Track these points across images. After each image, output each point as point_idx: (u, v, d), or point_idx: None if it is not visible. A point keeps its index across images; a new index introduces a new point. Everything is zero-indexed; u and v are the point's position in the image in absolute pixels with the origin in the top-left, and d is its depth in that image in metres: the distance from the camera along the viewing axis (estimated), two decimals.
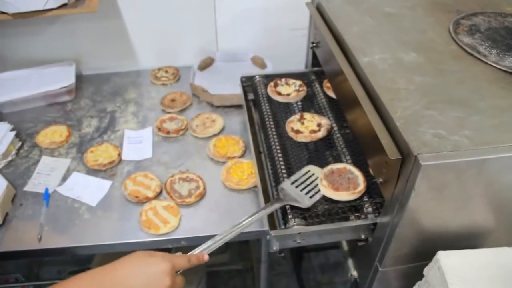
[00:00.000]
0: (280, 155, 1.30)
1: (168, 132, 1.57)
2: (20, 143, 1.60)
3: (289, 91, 1.49)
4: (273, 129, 1.38)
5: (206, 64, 1.84)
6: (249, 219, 1.05)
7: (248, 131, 1.40)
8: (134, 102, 1.76)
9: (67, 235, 1.28)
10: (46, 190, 1.40)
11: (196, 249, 0.97)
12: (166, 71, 1.88)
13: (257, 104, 1.51)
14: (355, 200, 1.13)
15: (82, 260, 2.33)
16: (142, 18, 1.82)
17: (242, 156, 1.46)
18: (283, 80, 1.53)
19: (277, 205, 1.11)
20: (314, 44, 1.53)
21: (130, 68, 1.95)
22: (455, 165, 0.82)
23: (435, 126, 0.88)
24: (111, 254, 1.81)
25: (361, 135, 1.14)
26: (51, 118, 1.72)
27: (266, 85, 1.53)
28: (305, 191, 1.16)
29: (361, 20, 1.30)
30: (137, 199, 1.34)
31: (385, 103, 0.96)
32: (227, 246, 2.25)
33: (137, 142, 1.56)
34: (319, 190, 1.15)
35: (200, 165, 1.46)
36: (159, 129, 1.58)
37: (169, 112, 1.67)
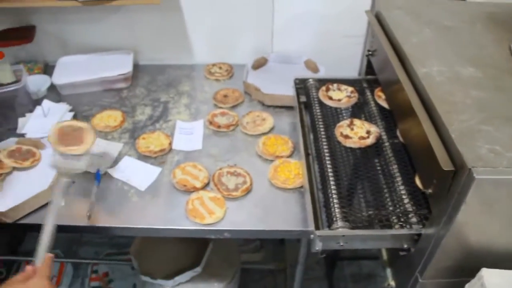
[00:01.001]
0: (328, 158, 1.31)
1: (219, 126, 1.60)
2: None
3: (341, 97, 1.50)
4: (323, 132, 1.40)
5: (259, 64, 1.87)
6: None
7: (299, 132, 1.42)
8: (188, 95, 1.80)
9: (114, 216, 1.33)
10: (98, 171, 1.46)
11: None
12: (220, 67, 1.92)
13: (309, 106, 1.53)
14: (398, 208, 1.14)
15: (120, 244, 2.39)
16: (201, 13, 1.86)
17: (290, 156, 1.48)
18: (335, 85, 1.54)
19: None
20: (370, 52, 1.54)
21: (185, 61, 1.99)
22: (510, 182, 0.82)
23: (491, 142, 0.88)
24: (149, 239, 1.87)
25: (412, 144, 1.14)
26: (107, 103, 1.78)
27: (318, 89, 1.55)
28: None
29: (420, 31, 1.30)
30: (184, 187, 1.37)
31: (441, 115, 0.97)
32: (262, 245, 2.27)
33: (188, 133, 1.60)
34: None
35: (248, 161, 1.48)
36: (211, 123, 1.62)
37: (221, 107, 1.70)
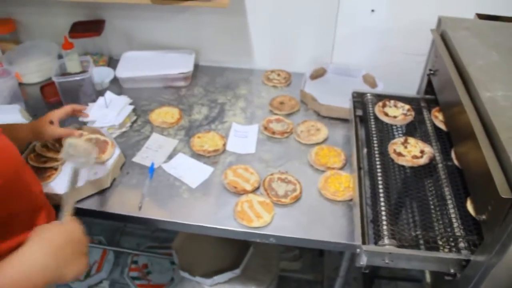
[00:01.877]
0: (379, 174, 1.31)
1: (273, 133, 1.62)
2: (135, 118, 1.72)
3: (397, 114, 1.50)
4: (376, 148, 1.40)
5: (318, 74, 1.88)
6: None
7: (353, 145, 1.42)
8: (244, 98, 1.83)
9: (164, 209, 1.36)
10: (152, 164, 1.50)
11: None
12: (279, 74, 1.94)
13: (364, 121, 1.53)
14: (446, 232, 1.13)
15: (161, 238, 2.45)
16: (265, 20, 1.88)
17: (341, 168, 1.48)
18: (392, 102, 1.54)
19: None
20: (432, 72, 1.53)
21: (244, 65, 2.02)
22: None
23: None
24: (192, 236, 1.90)
25: (469, 169, 1.13)
26: (166, 100, 1.83)
27: (375, 104, 1.54)
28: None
29: (486, 54, 1.28)
30: (235, 189, 1.40)
31: (503, 141, 0.95)
32: (301, 255, 2.27)
33: (243, 137, 1.62)
34: None
35: (299, 170, 1.49)
36: (265, 128, 1.64)
37: (276, 114, 1.72)
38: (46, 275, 0.86)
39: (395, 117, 1.49)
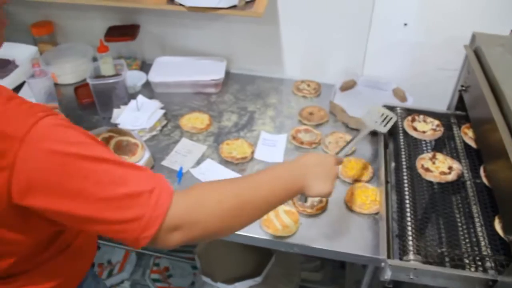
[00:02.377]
0: (406, 189, 1.31)
1: (301, 143, 1.62)
2: (165, 122, 1.75)
3: (426, 129, 1.50)
4: (404, 162, 1.40)
5: (348, 86, 1.88)
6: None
7: (381, 159, 1.42)
8: (274, 107, 1.84)
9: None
10: (181, 169, 1.52)
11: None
12: (309, 85, 1.95)
13: (393, 135, 1.53)
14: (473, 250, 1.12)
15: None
16: (297, 30, 1.89)
17: (368, 181, 1.48)
18: (421, 116, 1.54)
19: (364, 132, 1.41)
20: (464, 88, 1.52)
21: (275, 74, 2.04)
22: None
23: None
24: (215, 241, 1.91)
25: (499, 187, 1.12)
26: (196, 106, 1.85)
27: (404, 118, 1.54)
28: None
29: None
30: None
31: None
32: (322, 266, 2.26)
33: (271, 145, 1.63)
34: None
35: None
36: (294, 138, 1.64)
37: (305, 124, 1.73)
38: (293, 177, 1.03)
39: (424, 132, 1.49)
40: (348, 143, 1.33)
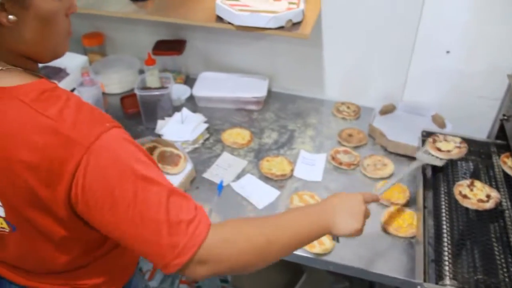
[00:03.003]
0: (444, 214, 1.32)
1: (340, 163, 1.65)
2: (207, 135, 1.80)
3: (450, 148, 1.50)
4: (442, 188, 1.41)
5: (387, 110, 1.90)
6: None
7: (420, 184, 1.44)
8: (314, 127, 1.87)
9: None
10: (221, 182, 1.56)
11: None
12: (348, 107, 1.97)
13: None
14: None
15: None
16: (340, 53, 1.93)
17: (405, 204, 1.49)
18: (441, 136, 1.55)
19: (415, 165, 1.43)
20: (505, 117, 1.53)
21: (316, 95, 2.07)
22: None
23: None
24: None
25: None
26: (237, 121, 1.90)
27: None
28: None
29: None
30: None
31: None
32: (351, 287, 2.27)
33: (310, 164, 1.66)
34: None
35: None
36: (333, 158, 1.67)
37: (344, 145, 1.75)
38: (321, 217, 1.05)
39: (449, 151, 1.49)
40: (392, 182, 1.35)
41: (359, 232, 1.10)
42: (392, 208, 1.47)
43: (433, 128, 1.79)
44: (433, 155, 1.47)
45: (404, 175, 1.39)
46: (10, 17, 0.79)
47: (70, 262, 0.99)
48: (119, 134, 0.85)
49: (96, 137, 0.81)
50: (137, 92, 1.79)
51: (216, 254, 0.87)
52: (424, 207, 1.40)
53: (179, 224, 0.83)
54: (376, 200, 1.23)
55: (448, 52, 1.77)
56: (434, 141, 1.53)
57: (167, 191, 0.85)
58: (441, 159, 1.46)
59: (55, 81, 1.97)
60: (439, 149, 1.50)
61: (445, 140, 1.54)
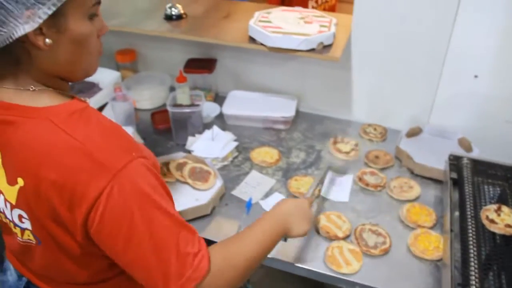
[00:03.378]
0: (471, 239, 1.33)
1: (367, 184, 1.67)
2: (236, 153, 1.83)
3: (347, 150, 1.78)
4: (469, 212, 1.42)
5: (414, 132, 1.92)
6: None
7: (447, 208, 1.45)
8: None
9: None
10: (250, 200, 1.59)
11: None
12: (375, 129, 2.00)
13: (459, 184, 1.55)
14: None
15: None
16: (368, 76, 1.96)
17: (431, 227, 1.50)
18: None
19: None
20: None
21: (342, 116, 2.10)
22: None
23: None
24: (272, 273, 1.97)
25: None
26: (266, 140, 1.94)
27: (471, 169, 1.57)
28: None
29: None
30: (327, 234, 1.46)
31: None
32: None
33: (337, 184, 1.69)
34: None
35: (390, 223, 1.53)
36: (360, 179, 1.70)
37: (371, 167, 1.77)
38: (279, 226, 1.16)
39: (347, 152, 1.83)
40: (317, 184, 1.49)
41: (307, 233, 1.24)
42: (418, 231, 1.48)
43: (459, 151, 1.81)
44: None
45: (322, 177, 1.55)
46: (47, 40, 0.84)
47: (91, 275, 1.03)
48: (144, 164, 0.89)
49: (123, 165, 0.85)
50: (169, 108, 1.84)
51: (216, 284, 0.93)
52: (451, 230, 1.42)
53: (186, 256, 0.88)
54: (311, 203, 1.36)
55: (476, 76, 1.79)
56: (335, 142, 1.86)
57: (179, 224, 0.90)
58: None
59: (88, 97, 2.04)
60: (339, 150, 1.82)
61: (342, 141, 1.87)
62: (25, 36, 0.82)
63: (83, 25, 0.89)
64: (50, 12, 0.81)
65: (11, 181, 0.91)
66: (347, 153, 1.82)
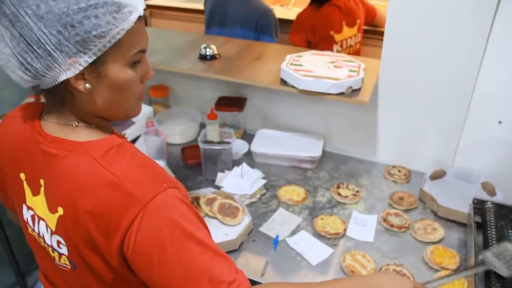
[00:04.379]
0: (493, 282, 1.35)
1: (391, 225, 1.71)
2: (264, 191, 1.89)
3: (347, 194, 1.80)
4: None
5: (437, 175, 1.96)
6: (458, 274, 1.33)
7: (471, 251, 1.48)
8: (365, 189, 1.94)
9: (284, 279, 1.49)
10: (277, 236, 1.64)
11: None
12: (399, 170, 2.04)
13: (483, 228, 1.58)
14: None
15: None
16: (393, 119, 2.02)
17: (455, 270, 1.53)
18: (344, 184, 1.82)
19: (478, 269, 1.32)
20: None
21: (367, 157, 2.15)
22: None
23: None
24: None
25: None
26: (292, 179, 1.99)
27: (495, 213, 1.60)
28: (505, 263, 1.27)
29: None
30: (352, 273, 1.49)
31: None
32: None
33: (362, 224, 1.73)
34: None
35: (414, 265, 1.56)
36: (384, 220, 1.74)
37: (395, 208, 1.81)
38: None
39: (346, 196, 1.84)
40: (448, 276, 1.26)
41: None
42: (442, 273, 1.51)
43: (483, 195, 1.84)
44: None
45: (466, 275, 1.42)
46: (87, 85, 0.92)
47: None
48: (175, 194, 0.94)
49: (153, 196, 0.90)
50: (200, 145, 1.91)
51: None
52: (475, 274, 1.44)
53: (220, 284, 0.90)
54: None
55: (500, 122, 1.83)
56: (338, 187, 1.90)
57: (212, 252, 0.93)
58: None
59: (122, 130, 2.14)
60: (339, 194, 1.86)
61: (347, 187, 1.90)
62: (68, 79, 0.90)
63: (123, 72, 0.95)
64: (90, 60, 0.89)
65: (52, 209, 0.99)
66: (346, 197, 1.85)
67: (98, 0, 0.85)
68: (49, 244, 1.04)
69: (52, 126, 0.99)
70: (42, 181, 1.00)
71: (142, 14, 0.93)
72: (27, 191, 1.04)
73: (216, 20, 2.83)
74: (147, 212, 0.89)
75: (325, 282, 1.10)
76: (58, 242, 1.01)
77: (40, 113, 1.04)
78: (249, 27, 2.72)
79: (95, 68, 0.91)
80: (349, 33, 2.85)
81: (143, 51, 0.98)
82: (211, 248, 0.93)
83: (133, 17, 0.90)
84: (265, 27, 2.71)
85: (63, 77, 0.89)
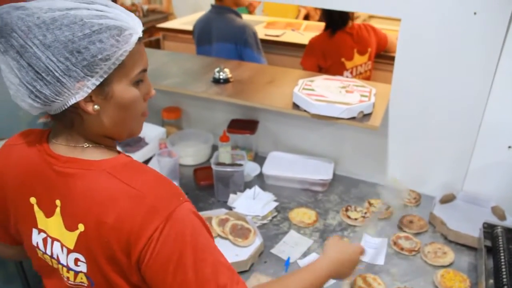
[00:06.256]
0: None
1: (402, 249, 1.72)
2: (276, 213, 1.91)
3: (357, 216, 1.79)
4: (504, 281, 1.45)
5: (447, 199, 1.97)
6: None
7: (482, 275, 1.49)
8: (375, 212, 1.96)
9: None
10: (288, 259, 1.66)
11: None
12: (409, 194, 2.06)
13: (493, 252, 1.59)
14: None
15: None
16: (403, 143, 2.04)
17: None
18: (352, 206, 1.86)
19: None
20: None
21: (377, 180, 2.16)
22: None
23: None
24: None
25: None
26: (303, 201, 2.02)
27: (505, 237, 1.61)
28: None
29: None
30: None
31: None
32: None
33: (373, 248, 1.74)
34: None
35: None
36: (394, 243, 1.75)
37: (405, 231, 1.83)
38: (327, 273, 1.26)
39: (356, 219, 1.87)
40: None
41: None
42: None
43: (493, 219, 1.85)
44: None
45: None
46: (95, 107, 0.97)
47: None
48: (189, 207, 1.00)
49: (173, 209, 0.96)
50: (213, 167, 1.94)
51: None
52: None
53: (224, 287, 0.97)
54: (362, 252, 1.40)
55: (510, 147, 1.85)
56: (347, 210, 1.92)
57: (219, 262, 1.00)
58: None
59: (135, 151, 2.18)
60: (348, 217, 1.88)
61: (355, 210, 1.92)
62: (77, 103, 0.95)
63: (128, 91, 1.00)
64: (97, 83, 0.94)
65: (71, 227, 1.02)
66: (356, 219, 1.88)
67: (101, 25, 0.91)
68: (64, 264, 1.06)
69: (62, 148, 1.04)
70: (58, 202, 1.03)
71: (141, 35, 0.98)
72: (39, 215, 1.07)
73: (204, 39, 3.08)
74: (167, 223, 0.94)
75: (290, 275, 1.24)
76: (76, 260, 1.04)
77: (46, 137, 1.08)
78: (231, 42, 2.96)
79: (102, 89, 0.96)
80: (360, 61, 2.89)
81: (145, 70, 1.04)
82: (218, 258, 1.01)
83: (134, 39, 0.95)
84: (244, 42, 2.93)
85: (72, 101, 0.94)
